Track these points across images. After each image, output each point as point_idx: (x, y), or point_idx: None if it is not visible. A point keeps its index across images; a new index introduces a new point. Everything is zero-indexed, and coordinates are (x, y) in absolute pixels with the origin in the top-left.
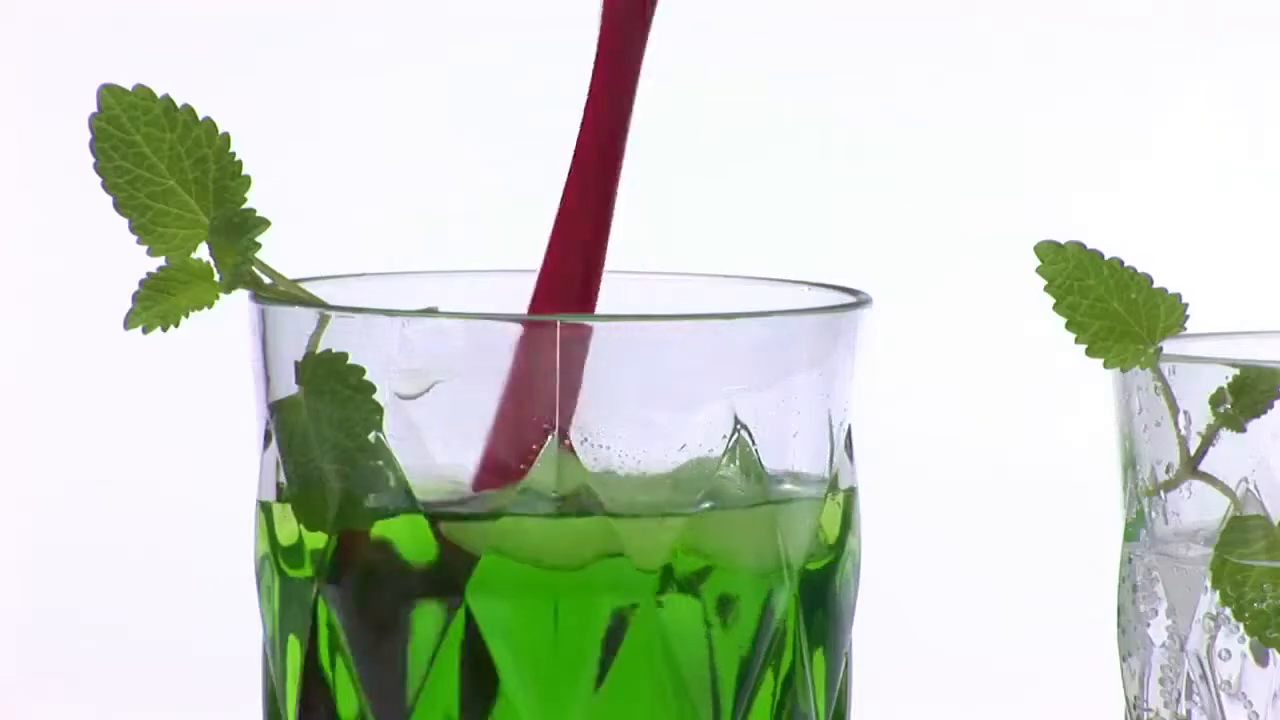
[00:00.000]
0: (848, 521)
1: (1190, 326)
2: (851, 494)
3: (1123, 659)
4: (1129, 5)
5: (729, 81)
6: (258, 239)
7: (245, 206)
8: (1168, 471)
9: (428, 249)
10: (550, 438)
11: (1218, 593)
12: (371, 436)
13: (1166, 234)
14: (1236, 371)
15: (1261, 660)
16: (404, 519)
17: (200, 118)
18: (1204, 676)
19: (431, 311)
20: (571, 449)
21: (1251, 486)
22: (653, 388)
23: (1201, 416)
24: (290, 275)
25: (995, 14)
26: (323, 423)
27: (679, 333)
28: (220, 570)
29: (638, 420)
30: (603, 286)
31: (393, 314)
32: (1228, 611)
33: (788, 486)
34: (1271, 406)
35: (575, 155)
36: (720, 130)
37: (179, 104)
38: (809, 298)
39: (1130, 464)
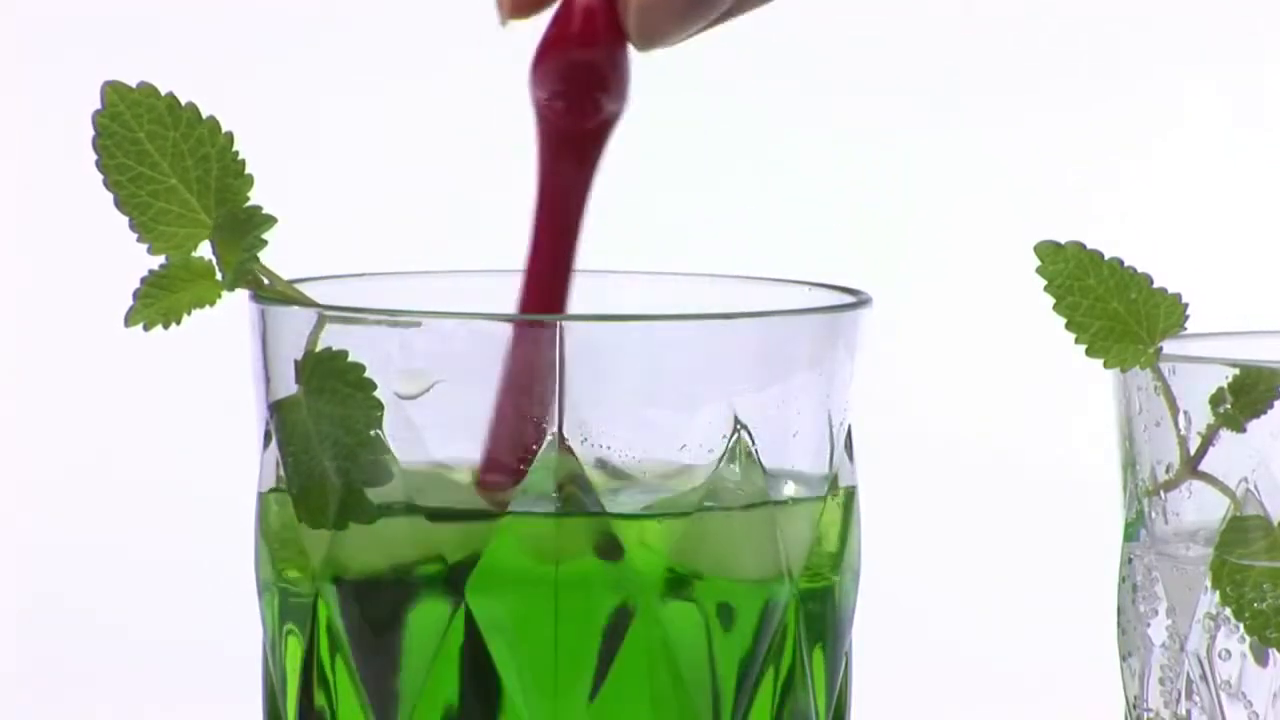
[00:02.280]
0: (848, 521)
1: (1190, 326)
2: (851, 494)
3: (1123, 659)
4: (1130, 6)
5: (729, 81)
6: (263, 236)
7: (248, 205)
8: (1168, 471)
9: (428, 249)
10: (549, 438)
11: (1218, 593)
12: (372, 433)
13: (1166, 234)
14: (1236, 371)
15: (1261, 660)
16: (404, 518)
17: (204, 116)
18: (1204, 676)
19: (430, 313)
20: (570, 449)
21: (1251, 486)
22: (653, 388)
23: (1201, 416)
24: (291, 275)
25: (995, 14)
26: (323, 421)
27: (679, 333)
28: (220, 569)
29: (638, 420)
30: (602, 287)
31: (392, 314)
32: (1228, 611)
33: (788, 486)
34: (1271, 406)
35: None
36: (720, 130)
37: (183, 102)
38: (809, 298)
39: (1130, 464)
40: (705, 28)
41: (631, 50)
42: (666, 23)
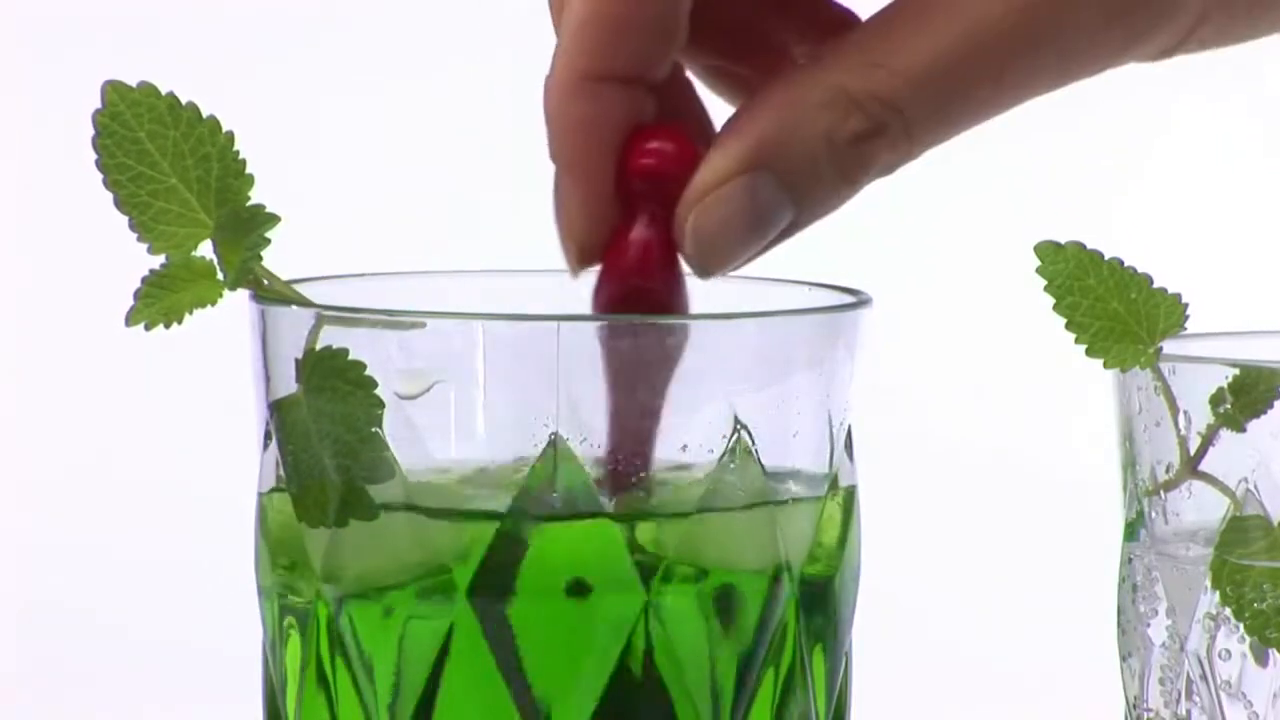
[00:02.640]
0: (848, 521)
1: (1190, 326)
2: (851, 494)
3: (1123, 659)
4: None
5: None
6: (267, 234)
7: (251, 204)
8: (1168, 471)
9: (428, 249)
10: (549, 438)
11: (1218, 593)
12: (373, 430)
13: (1166, 234)
14: (1236, 371)
15: (1261, 660)
16: (404, 517)
17: (204, 116)
18: (1204, 676)
19: (430, 313)
20: (570, 449)
21: (1251, 486)
22: (653, 388)
23: (1201, 416)
24: (291, 275)
25: None
26: (324, 419)
27: (679, 333)
28: (220, 570)
29: (638, 420)
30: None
31: (392, 314)
32: (1228, 611)
33: (788, 486)
34: (1271, 406)
35: None
36: None
37: (183, 101)
38: (809, 298)
39: (1130, 464)
40: (765, 249)
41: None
42: (726, 251)
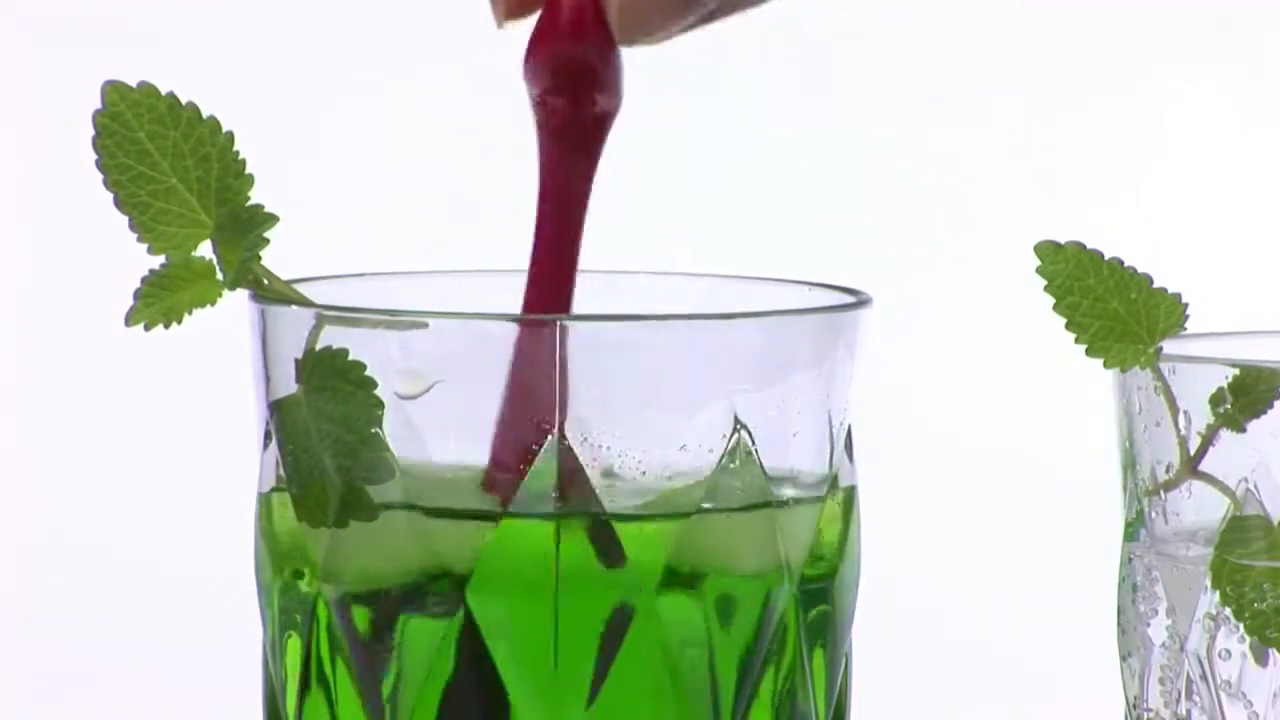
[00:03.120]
0: (848, 521)
1: (1190, 326)
2: (851, 494)
3: (1123, 659)
4: (1130, 6)
5: (729, 80)
6: (265, 234)
7: (250, 204)
8: (1168, 471)
9: (428, 249)
10: (550, 437)
11: (1218, 593)
12: (373, 431)
13: (1166, 234)
14: (1236, 371)
15: (1261, 660)
16: (404, 517)
17: (204, 116)
18: (1204, 676)
19: (431, 313)
20: (570, 449)
21: (1251, 486)
22: (653, 388)
23: (1201, 416)
24: (291, 275)
25: (995, 15)
26: (324, 419)
27: (679, 333)
28: (220, 570)
29: (638, 420)
30: (602, 287)
31: (392, 314)
32: (1228, 611)
33: (787, 486)
34: (1271, 406)
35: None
36: (720, 130)
37: (183, 101)
38: (809, 298)
39: (1130, 464)
40: (690, 26)
41: (627, 49)
42: (649, 19)
